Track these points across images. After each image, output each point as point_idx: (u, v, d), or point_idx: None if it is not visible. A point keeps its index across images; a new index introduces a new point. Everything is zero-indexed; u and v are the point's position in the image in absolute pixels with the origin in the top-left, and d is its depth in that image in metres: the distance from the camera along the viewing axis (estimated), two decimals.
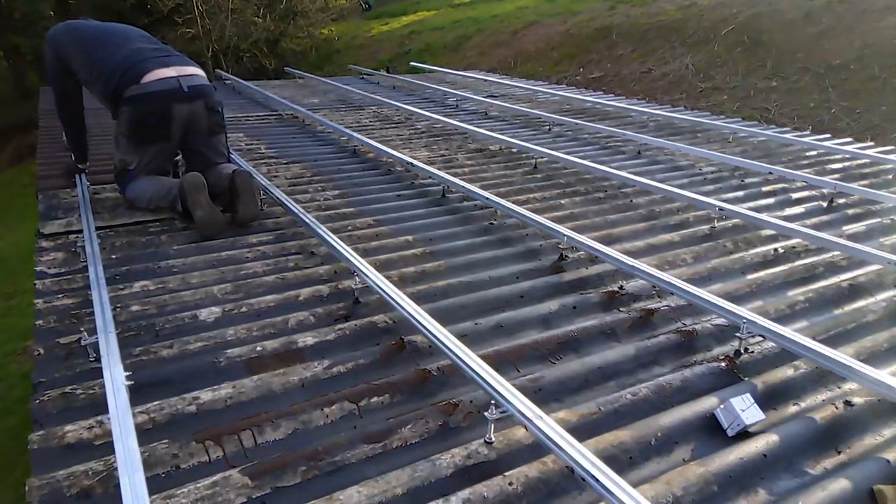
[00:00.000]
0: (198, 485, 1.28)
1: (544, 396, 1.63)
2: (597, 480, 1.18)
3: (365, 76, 7.80)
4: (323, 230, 2.42)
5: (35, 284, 2.15)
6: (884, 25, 8.08)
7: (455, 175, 3.29)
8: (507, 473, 1.32)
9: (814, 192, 3.28)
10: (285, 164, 3.73)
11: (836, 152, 4.01)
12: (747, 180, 3.52)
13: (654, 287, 2.17)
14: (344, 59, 14.77)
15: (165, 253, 2.45)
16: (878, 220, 2.95)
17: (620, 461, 1.39)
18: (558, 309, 2.07)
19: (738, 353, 1.80)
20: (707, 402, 1.57)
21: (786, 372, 1.71)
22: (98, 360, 1.60)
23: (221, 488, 1.28)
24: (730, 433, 1.49)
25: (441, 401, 1.60)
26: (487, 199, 2.88)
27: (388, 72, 8.71)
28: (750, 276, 2.35)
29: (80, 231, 2.53)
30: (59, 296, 2.07)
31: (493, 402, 1.41)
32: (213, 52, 13.95)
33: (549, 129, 4.76)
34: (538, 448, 1.37)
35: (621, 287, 2.22)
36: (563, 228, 2.47)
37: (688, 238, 2.71)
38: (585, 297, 2.15)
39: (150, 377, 1.65)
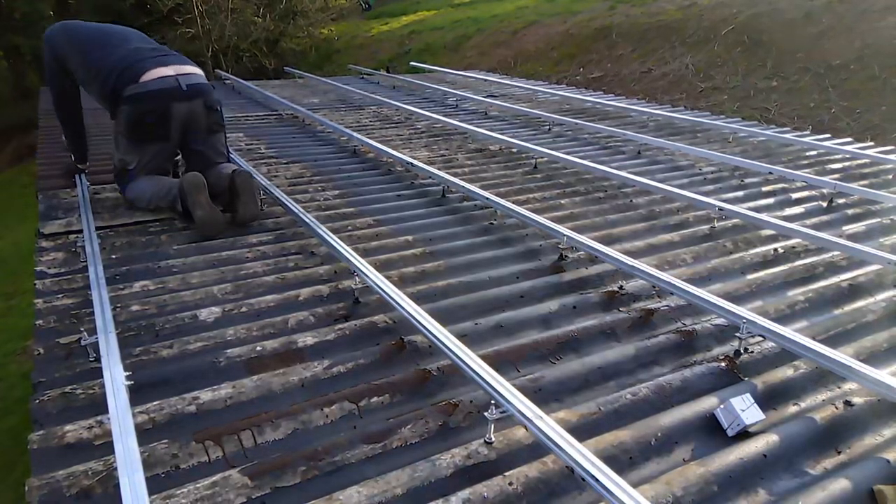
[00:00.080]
0: (197, 485, 1.28)
1: (544, 396, 1.63)
2: (597, 480, 1.18)
3: (365, 76, 7.80)
4: (323, 230, 2.42)
5: (35, 284, 2.15)
6: (884, 25, 8.08)
7: (455, 175, 3.29)
8: (507, 473, 1.32)
9: (814, 192, 3.28)
10: (285, 163, 3.73)
11: (836, 152, 4.01)
12: (747, 180, 3.52)
13: (654, 287, 2.17)
14: (344, 58, 14.77)
15: (165, 253, 2.45)
16: (878, 220, 2.95)
17: (620, 461, 1.39)
18: (558, 309, 2.07)
19: (738, 353, 1.80)
20: (707, 402, 1.57)
21: (786, 372, 1.71)
22: (98, 360, 1.60)
23: (221, 488, 1.28)
24: (730, 433, 1.49)
25: (441, 401, 1.60)
26: (487, 199, 2.88)
27: (388, 72, 8.71)
28: (750, 276, 2.35)
29: (80, 231, 2.53)
30: (59, 296, 2.07)
31: (493, 402, 1.41)
32: (212, 52, 13.95)
33: (549, 129, 4.76)
34: (538, 448, 1.37)
35: (621, 287, 2.22)
36: (563, 228, 2.47)
37: (688, 238, 2.71)
38: (585, 297, 2.15)
39: (150, 377, 1.65)
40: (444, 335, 1.65)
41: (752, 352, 1.81)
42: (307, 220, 2.54)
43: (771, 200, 3.20)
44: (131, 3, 13.57)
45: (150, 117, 2.75)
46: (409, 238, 2.64)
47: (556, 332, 1.92)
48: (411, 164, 3.44)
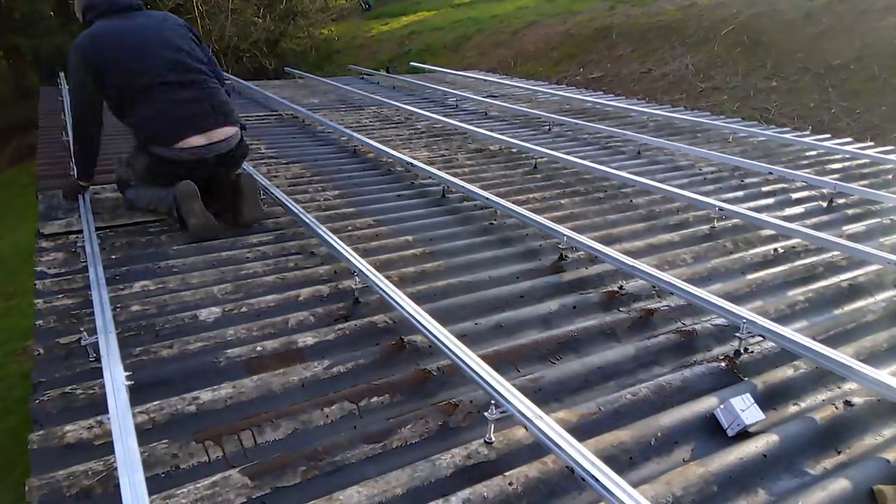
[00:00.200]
0: (197, 485, 1.28)
1: (544, 396, 1.63)
2: (597, 480, 1.18)
3: (365, 76, 7.80)
4: (323, 230, 2.42)
5: (35, 284, 2.15)
6: (884, 25, 8.08)
7: (455, 175, 3.29)
8: (507, 473, 1.32)
9: (814, 192, 3.28)
10: (285, 164, 3.74)
11: (836, 152, 4.01)
12: (747, 180, 3.52)
13: (654, 287, 2.17)
14: (344, 59, 14.76)
15: (165, 253, 2.45)
16: (878, 220, 2.95)
17: (620, 461, 1.39)
18: (558, 309, 2.07)
19: (737, 353, 1.80)
20: (707, 402, 1.57)
21: (786, 372, 1.71)
22: (98, 360, 1.60)
23: (221, 488, 1.28)
24: (730, 433, 1.49)
25: (441, 401, 1.60)
26: (487, 199, 2.88)
27: (388, 72, 8.71)
28: (750, 276, 2.35)
29: (80, 231, 2.53)
30: (59, 296, 2.07)
31: (493, 402, 1.41)
32: (213, 52, 13.95)
33: (549, 129, 4.76)
34: (538, 448, 1.37)
35: (621, 287, 2.22)
36: (562, 228, 2.47)
37: (688, 238, 2.71)
38: (585, 297, 2.15)
39: (150, 377, 1.65)
40: (444, 335, 1.65)
41: (752, 352, 1.81)
42: (307, 221, 2.54)
43: (771, 200, 3.20)
44: None
45: (172, 174, 2.67)
46: (409, 238, 2.64)
47: (556, 332, 1.92)
48: (411, 164, 3.44)
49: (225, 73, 8.09)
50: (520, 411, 1.36)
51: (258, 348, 1.79)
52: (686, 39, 9.92)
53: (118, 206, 2.91)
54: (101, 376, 1.49)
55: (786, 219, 2.79)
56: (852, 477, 1.36)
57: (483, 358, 1.56)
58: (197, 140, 2.67)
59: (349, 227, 2.75)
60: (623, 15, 11.55)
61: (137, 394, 1.52)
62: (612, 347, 1.87)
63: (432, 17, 16.80)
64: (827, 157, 4.00)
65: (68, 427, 1.44)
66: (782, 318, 2.02)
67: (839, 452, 1.48)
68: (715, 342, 1.92)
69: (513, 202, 2.86)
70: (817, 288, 2.25)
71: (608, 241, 2.55)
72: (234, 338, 1.86)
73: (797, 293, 2.22)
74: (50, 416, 1.51)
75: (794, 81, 8.16)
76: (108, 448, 1.30)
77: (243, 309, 2.03)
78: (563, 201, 3.15)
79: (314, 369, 1.70)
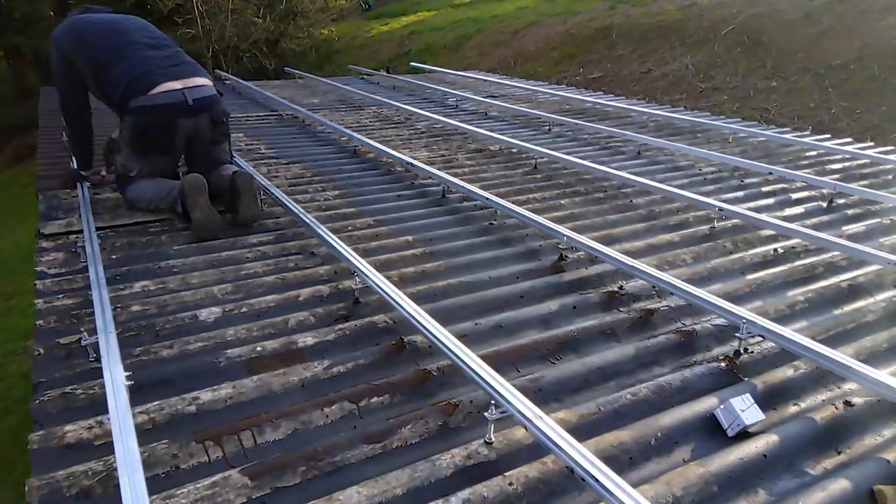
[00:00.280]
0: (197, 485, 1.28)
1: (544, 396, 1.63)
2: (597, 480, 1.18)
3: (365, 76, 7.80)
4: (323, 230, 2.42)
5: (35, 284, 2.15)
6: (884, 25, 8.08)
7: (455, 175, 3.29)
8: (507, 473, 1.32)
9: (814, 193, 3.28)
10: (285, 164, 3.74)
11: (836, 152, 4.01)
12: (747, 180, 3.52)
13: (654, 287, 2.17)
14: (344, 59, 14.77)
15: (165, 253, 2.45)
16: (878, 220, 2.95)
17: (620, 461, 1.39)
18: (558, 309, 2.07)
19: (737, 353, 1.80)
20: (707, 403, 1.57)
21: (786, 372, 1.71)
22: (98, 360, 1.60)
23: (221, 488, 1.28)
24: (730, 433, 1.49)
25: (441, 401, 1.60)
26: (487, 199, 2.88)
27: (388, 72, 8.71)
28: (750, 276, 2.35)
29: (80, 231, 2.53)
30: (60, 296, 2.07)
31: (493, 402, 1.41)
32: (213, 53, 13.95)
33: (549, 130, 4.76)
34: (538, 448, 1.37)
35: (621, 287, 2.22)
36: (562, 228, 2.47)
37: (688, 238, 2.71)
38: (585, 297, 2.15)
39: (150, 377, 1.65)
40: (444, 335, 1.65)
41: (752, 352, 1.81)
42: (307, 221, 2.54)
43: (771, 201, 3.20)
44: (131, 3, 13.58)
45: (154, 130, 2.73)
46: (409, 238, 2.64)
47: (556, 332, 1.92)
48: (411, 164, 3.44)
49: (224, 73, 8.10)
50: (520, 411, 1.36)
51: (258, 348, 1.79)
52: (686, 39, 9.92)
53: (118, 206, 2.91)
54: (101, 376, 1.49)
55: (786, 219, 2.79)
56: (852, 477, 1.36)
57: (483, 358, 1.56)
58: (173, 84, 2.72)
59: (349, 227, 2.75)
60: (623, 15, 11.55)
61: (137, 394, 1.52)
62: (612, 347, 1.87)
63: (432, 18, 16.80)
64: (827, 158, 4.00)
65: (68, 427, 1.44)
66: (782, 319, 2.02)
67: (839, 452, 1.48)
68: (715, 342, 1.92)
69: (513, 202, 2.86)
70: (817, 288, 2.25)
71: (608, 241, 2.55)
72: (234, 338, 1.86)
73: (797, 293, 2.22)
74: (50, 416, 1.51)
75: (794, 81, 8.16)
76: (108, 448, 1.30)
77: (243, 309, 2.03)
78: (563, 201, 3.15)
79: (314, 369, 1.70)
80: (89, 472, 1.31)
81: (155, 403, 1.53)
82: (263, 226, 2.76)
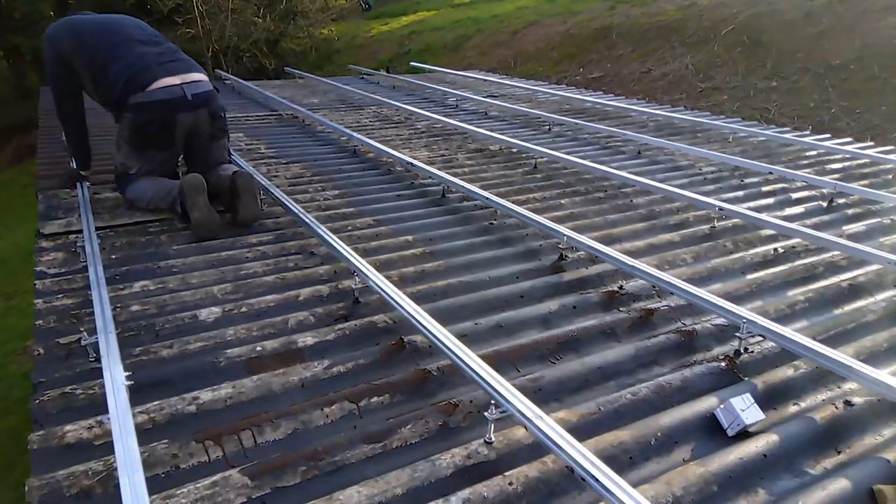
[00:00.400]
0: (197, 485, 1.28)
1: (544, 396, 1.63)
2: (597, 480, 1.18)
3: (365, 76, 7.80)
4: (323, 230, 2.42)
5: (35, 284, 2.15)
6: (884, 25, 8.08)
7: (455, 175, 3.29)
8: (507, 473, 1.32)
9: (814, 192, 3.28)
10: (285, 163, 3.74)
11: (836, 152, 4.01)
12: (747, 180, 3.52)
13: (654, 287, 2.17)
14: (344, 59, 14.77)
15: (165, 253, 2.45)
16: (878, 220, 2.95)
17: (620, 461, 1.39)
18: (558, 309, 2.07)
19: (738, 352, 1.80)
20: (707, 402, 1.57)
21: (786, 372, 1.71)
22: (98, 360, 1.60)
23: (221, 488, 1.28)
24: (730, 433, 1.49)
25: (441, 401, 1.60)
26: (487, 199, 2.88)
27: (388, 72, 8.71)
28: (750, 276, 2.35)
29: (80, 231, 2.53)
30: (59, 296, 2.07)
31: (493, 402, 1.41)
32: (213, 52, 13.95)
33: (549, 129, 4.76)
34: (538, 448, 1.37)
35: (621, 287, 2.22)
36: (563, 228, 2.47)
37: (688, 238, 2.71)
38: (585, 297, 2.15)
39: (150, 377, 1.65)
40: (444, 335, 1.65)
41: (752, 352, 1.81)
42: (307, 220, 2.54)
43: (771, 200, 3.20)
44: (131, 3, 13.58)
45: (153, 126, 2.74)
46: (409, 238, 2.64)
47: (556, 332, 1.92)
48: (411, 164, 3.44)
49: (224, 73, 8.10)
50: (520, 411, 1.36)
51: (258, 348, 1.79)
52: (686, 39, 9.92)
53: (118, 206, 2.91)
54: (101, 376, 1.49)
55: (786, 219, 2.79)
56: (852, 477, 1.36)
57: (483, 358, 1.56)
58: (170, 80, 2.73)
59: (349, 227, 2.75)
60: (623, 15, 11.55)
61: (137, 394, 1.52)
62: (612, 347, 1.87)
63: (432, 17, 16.80)
64: (827, 157, 4.00)
65: (68, 427, 1.44)
66: (782, 318, 2.02)
67: (839, 452, 1.48)
68: (715, 342, 1.92)
69: (513, 202, 2.86)
70: (817, 288, 2.25)
71: (608, 240, 2.55)
72: (234, 338, 1.86)
73: (797, 293, 2.22)
74: (50, 416, 1.51)
75: (794, 81, 8.16)
76: (108, 448, 1.30)
77: (243, 309, 2.03)
78: (563, 201, 3.15)
79: (314, 369, 1.70)
80: (89, 472, 1.31)
81: (155, 403, 1.53)
82: (263, 225, 2.76)
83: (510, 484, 1.29)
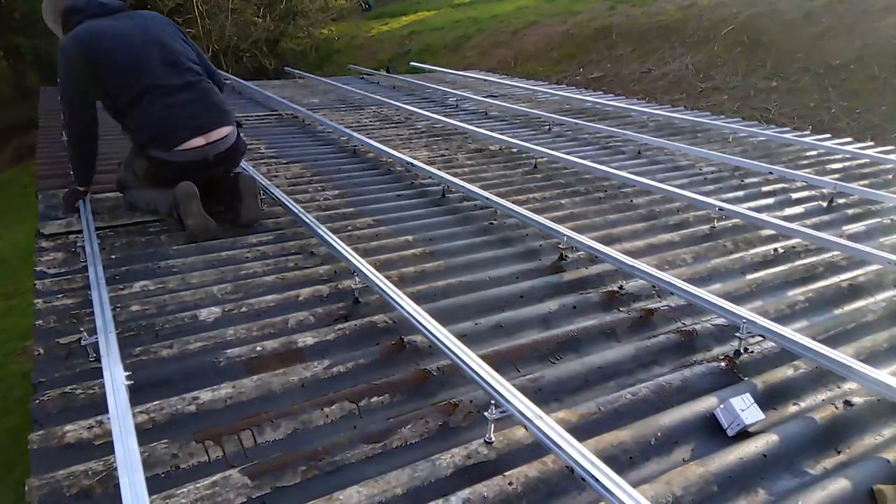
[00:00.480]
0: (197, 485, 1.28)
1: (544, 396, 1.63)
2: (597, 480, 1.18)
3: (365, 76, 7.80)
4: (323, 230, 2.42)
5: (35, 284, 2.15)
6: (884, 25, 8.08)
7: (455, 175, 3.29)
8: (507, 473, 1.32)
9: (814, 192, 3.28)
10: (285, 163, 3.74)
11: (836, 152, 4.01)
12: (747, 180, 3.52)
13: (654, 287, 2.17)
14: (344, 59, 14.76)
15: (165, 253, 2.45)
16: (878, 220, 2.95)
17: (620, 461, 1.39)
18: (558, 309, 2.07)
19: (737, 352, 1.80)
20: (707, 402, 1.57)
21: (786, 372, 1.71)
22: (98, 360, 1.60)
23: (221, 488, 1.28)
24: (730, 433, 1.49)
25: (441, 401, 1.60)
26: (487, 199, 2.88)
27: (388, 72, 8.71)
28: (750, 276, 2.35)
29: (80, 231, 2.53)
30: (59, 296, 2.07)
31: (493, 402, 1.41)
32: (213, 52, 13.94)
33: (549, 129, 4.76)
34: (538, 448, 1.37)
35: (621, 287, 2.22)
36: (563, 228, 2.47)
37: (688, 238, 2.71)
38: (585, 297, 2.15)
39: (150, 377, 1.65)
40: (444, 335, 1.65)
41: (752, 352, 1.81)
42: (307, 220, 2.54)
43: (771, 200, 3.20)
44: (131, 4, 13.61)
45: (171, 176, 2.65)
46: (409, 238, 2.64)
47: (556, 332, 1.92)
48: (411, 164, 3.44)
49: (224, 73, 8.09)
50: (520, 411, 1.36)
51: (258, 348, 1.79)
52: (686, 39, 9.92)
53: (118, 206, 2.91)
54: (101, 376, 1.49)
55: (786, 219, 2.79)
56: (852, 477, 1.36)
57: (483, 358, 1.56)
58: (196, 142, 2.66)
59: (349, 227, 2.75)
60: (623, 15, 11.55)
61: (137, 394, 1.52)
62: (612, 347, 1.87)
63: (432, 17, 16.79)
64: (827, 157, 4.00)
65: (68, 427, 1.44)
66: (782, 318, 2.02)
67: (839, 452, 1.48)
68: (715, 342, 1.91)
69: (513, 202, 2.86)
70: (817, 288, 2.25)
71: (608, 240, 2.55)
72: (234, 338, 1.86)
73: (797, 293, 2.22)
74: (50, 416, 1.51)
75: (794, 81, 8.16)
76: (108, 448, 1.30)
77: (243, 309, 2.03)
78: (563, 201, 3.15)
79: (314, 369, 1.70)
80: (89, 472, 1.31)
81: (155, 403, 1.53)
82: (263, 226, 2.76)
83: (510, 484, 1.29)
